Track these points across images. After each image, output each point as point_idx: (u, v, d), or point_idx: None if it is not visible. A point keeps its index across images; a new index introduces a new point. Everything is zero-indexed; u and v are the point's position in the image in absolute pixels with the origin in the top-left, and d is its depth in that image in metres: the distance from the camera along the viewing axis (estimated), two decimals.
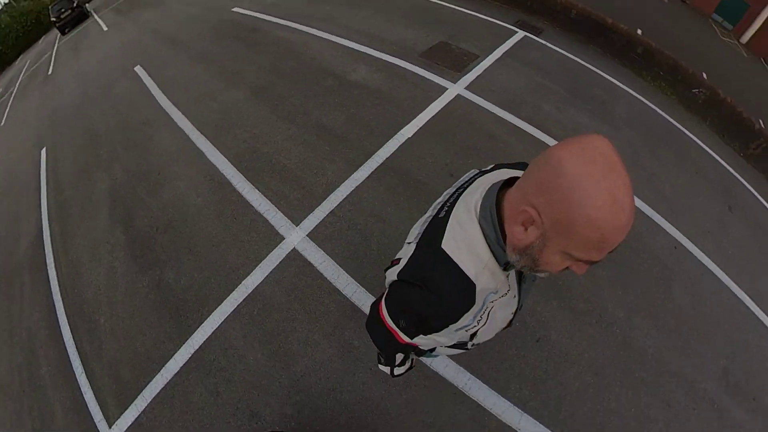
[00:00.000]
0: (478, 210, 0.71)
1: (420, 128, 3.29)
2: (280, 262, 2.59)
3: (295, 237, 2.66)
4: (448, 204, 0.78)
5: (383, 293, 0.91)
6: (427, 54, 4.10)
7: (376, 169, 2.98)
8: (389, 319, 0.86)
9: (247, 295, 2.51)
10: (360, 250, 2.61)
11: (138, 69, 5.20)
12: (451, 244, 0.72)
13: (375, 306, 0.93)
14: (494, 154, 3.22)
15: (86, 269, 3.06)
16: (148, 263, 2.85)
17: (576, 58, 4.63)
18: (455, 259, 0.71)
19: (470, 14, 5.04)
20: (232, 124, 3.53)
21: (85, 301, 2.88)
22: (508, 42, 4.49)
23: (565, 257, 0.61)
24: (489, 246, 0.71)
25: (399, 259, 0.82)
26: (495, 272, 0.73)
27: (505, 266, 0.74)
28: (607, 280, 2.74)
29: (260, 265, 2.60)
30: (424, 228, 0.79)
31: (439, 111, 3.46)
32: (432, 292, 0.73)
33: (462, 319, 0.76)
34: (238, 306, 2.48)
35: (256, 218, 2.81)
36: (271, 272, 2.56)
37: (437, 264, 0.72)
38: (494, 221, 0.69)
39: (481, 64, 4.07)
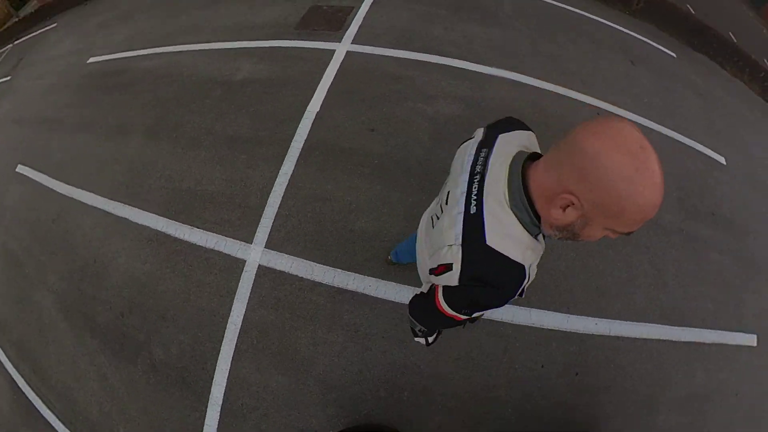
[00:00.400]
0: (508, 200, 0.76)
1: (324, 98, 3.20)
2: (253, 285, 2.52)
3: (255, 254, 2.59)
4: (474, 196, 0.81)
5: (430, 290, 0.97)
6: (302, 24, 3.92)
7: (300, 156, 2.90)
8: (451, 311, 0.91)
9: (239, 330, 2.45)
10: (320, 237, 2.59)
11: (21, 168, 4.65)
12: (494, 239, 0.76)
13: (429, 302, 0.96)
14: (404, 94, 3.22)
15: (78, 392, 2.82)
16: (132, 352, 2.67)
17: None
18: (503, 252, 0.76)
19: None
20: (142, 176, 3.28)
21: (97, 423, 2.68)
22: None
23: (606, 231, 0.69)
24: (525, 228, 0.77)
25: (449, 265, 0.82)
26: (533, 246, 0.80)
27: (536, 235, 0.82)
28: None
29: (236, 296, 2.51)
30: (462, 228, 0.80)
31: (336, 74, 3.36)
32: (494, 287, 0.79)
33: (519, 290, 0.83)
34: (236, 344, 2.42)
35: (210, 255, 2.68)
36: (249, 298, 2.49)
37: (489, 261, 0.77)
38: (526, 207, 0.75)
39: (359, 13, 3.95)
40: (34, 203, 4.01)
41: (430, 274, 0.95)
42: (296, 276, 2.48)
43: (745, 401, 2.76)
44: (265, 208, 2.73)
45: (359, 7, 4.03)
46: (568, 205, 0.67)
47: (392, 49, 3.56)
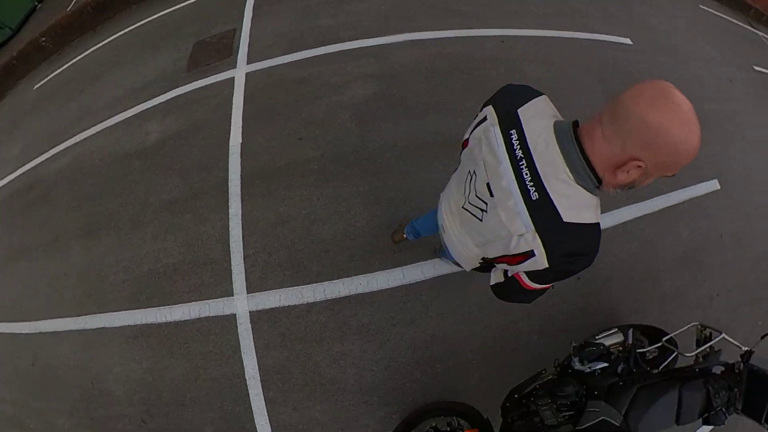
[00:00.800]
0: (573, 177, 0.81)
1: (242, 127, 3.12)
2: (253, 333, 2.46)
3: (242, 304, 2.52)
4: (530, 183, 0.83)
5: (510, 279, 1.05)
6: (191, 64, 3.77)
7: (242, 192, 2.84)
8: (541, 285, 0.98)
9: (260, 382, 2.39)
10: (294, 260, 2.56)
11: None
12: (570, 214, 0.81)
13: (515, 286, 1.03)
14: (316, 93, 3.21)
15: None
16: None
17: None
18: (581, 221, 0.82)
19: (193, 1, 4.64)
20: (98, 279, 3.10)
21: None
22: None
23: (658, 177, 0.78)
24: (590, 192, 0.83)
25: (527, 252, 0.88)
26: (598, 203, 0.87)
27: None
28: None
29: (242, 352, 2.45)
30: (529, 215, 0.84)
31: (245, 99, 3.28)
32: (586, 254, 0.86)
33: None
34: (264, 396, 2.37)
35: (200, 324, 2.59)
36: (255, 347, 2.44)
37: (574, 236, 0.83)
38: (591, 177, 0.81)
39: (243, 33, 3.86)
40: (4, 355, 3.75)
41: (496, 263, 1.08)
42: (289, 306, 2.44)
43: (728, 236, 2.97)
44: (231, 255, 2.65)
45: (241, 27, 3.92)
46: (632, 167, 0.75)
47: (289, 55, 3.50)
